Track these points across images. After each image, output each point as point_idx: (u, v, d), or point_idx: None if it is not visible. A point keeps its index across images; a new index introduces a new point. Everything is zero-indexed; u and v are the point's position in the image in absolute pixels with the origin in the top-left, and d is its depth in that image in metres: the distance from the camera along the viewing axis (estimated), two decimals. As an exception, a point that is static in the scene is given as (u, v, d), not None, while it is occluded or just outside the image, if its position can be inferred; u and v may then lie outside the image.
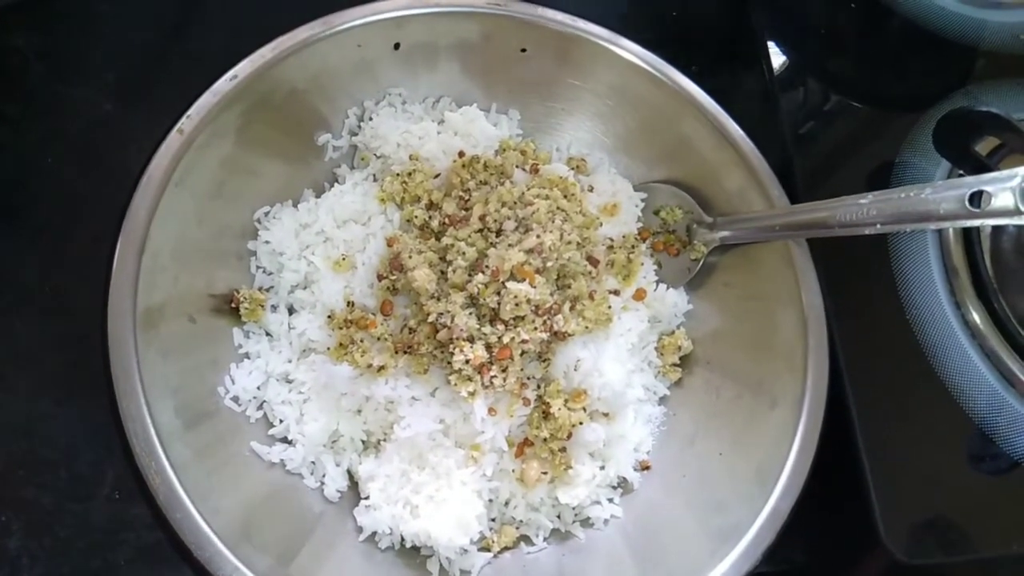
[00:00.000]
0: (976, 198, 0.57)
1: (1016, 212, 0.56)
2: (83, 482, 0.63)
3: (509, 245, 0.66)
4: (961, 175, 0.76)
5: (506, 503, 0.68)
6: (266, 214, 0.72)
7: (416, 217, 0.71)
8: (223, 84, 0.67)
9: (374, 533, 0.65)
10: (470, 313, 0.65)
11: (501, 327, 0.64)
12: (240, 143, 0.69)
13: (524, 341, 0.64)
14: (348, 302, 0.69)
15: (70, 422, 0.64)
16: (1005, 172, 0.57)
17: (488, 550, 0.67)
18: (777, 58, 0.87)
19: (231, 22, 0.81)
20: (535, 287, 0.64)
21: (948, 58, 0.90)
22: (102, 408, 0.61)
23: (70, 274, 0.69)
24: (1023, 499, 0.69)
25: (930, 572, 0.68)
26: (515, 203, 0.70)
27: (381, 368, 0.66)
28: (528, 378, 0.68)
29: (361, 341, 0.67)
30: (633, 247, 0.76)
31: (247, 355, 0.69)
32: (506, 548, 0.67)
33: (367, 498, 0.65)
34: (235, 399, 0.66)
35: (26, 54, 0.78)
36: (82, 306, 0.65)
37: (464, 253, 0.66)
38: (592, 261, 0.71)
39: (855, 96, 0.89)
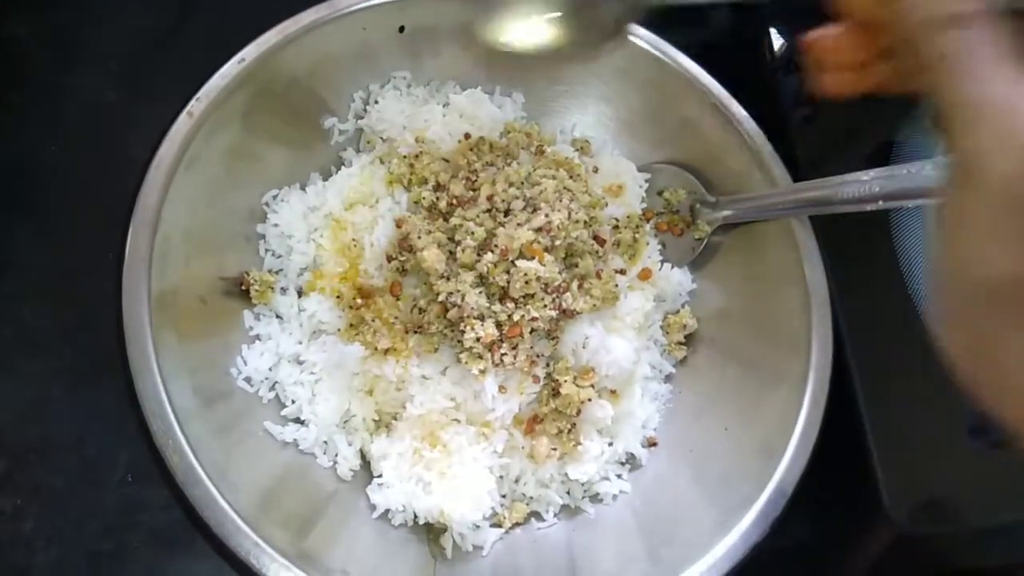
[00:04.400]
0: (977, 173, 0.58)
1: (1016, 186, 0.57)
2: (96, 466, 0.64)
3: (518, 224, 0.67)
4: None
5: (517, 480, 0.69)
6: (274, 197, 0.73)
7: (424, 198, 0.71)
8: (231, 67, 0.67)
9: (387, 510, 0.65)
10: (480, 292, 0.65)
11: (511, 305, 0.65)
12: (248, 126, 0.69)
13: (534, 319, 0.65)
14: (357, 287, 0.70)
15: (81, 407, 0.65)
16: (1005, 146, 0.58)
17: (500, 526, 0.67)
18: (778, 42, 0.88)
19: (232, 8, 0.81)
20: (544, 265, 0.65)
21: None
22: (113, 392, 0.62)
23: (78, 260, 0.69)
24: (1022, 469, 0.70)
25: (934, 542, 0.69)
26: (522, 183, 0.70)
27: (390, 349, 0.67)
28: (537, 356, 0.68)
29: (372, 321, 0.67)
30: (638, 227, 0.76)
31: (258, 337, 0.69)
32: (517, 524, 0.68)
33: (380, 476, 0.66)
34: (247, 380, 0.67)
35: (28, 42, 0.78)
36: (91, 291, 0.65)
37: (473, 233, 0.67)
38: (599, 240, 0.71)
39: (855, 78, 0.90)
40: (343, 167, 0.76)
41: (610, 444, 0.71)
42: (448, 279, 0.66)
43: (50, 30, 0.78)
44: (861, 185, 0.64)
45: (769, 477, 0.63)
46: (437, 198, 0.71)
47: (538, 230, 0.66)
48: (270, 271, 0.72)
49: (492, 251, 0.66)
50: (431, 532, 0.67)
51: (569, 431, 0.68)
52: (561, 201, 0.69)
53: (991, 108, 0.36)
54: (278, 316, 0.71)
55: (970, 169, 0.36)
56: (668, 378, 0.76)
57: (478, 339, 0.64)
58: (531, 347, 0.67)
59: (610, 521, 0.69)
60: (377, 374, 0.67)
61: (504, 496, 0.69)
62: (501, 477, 0.68)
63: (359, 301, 0.69)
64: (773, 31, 0.88)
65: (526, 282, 0.64)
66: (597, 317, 0.70)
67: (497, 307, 0.65)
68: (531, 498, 0.69)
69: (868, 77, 0.49)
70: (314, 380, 0.68)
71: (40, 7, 0.78)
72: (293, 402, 0.67)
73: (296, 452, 0.66)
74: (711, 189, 0.78)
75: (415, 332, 0.68)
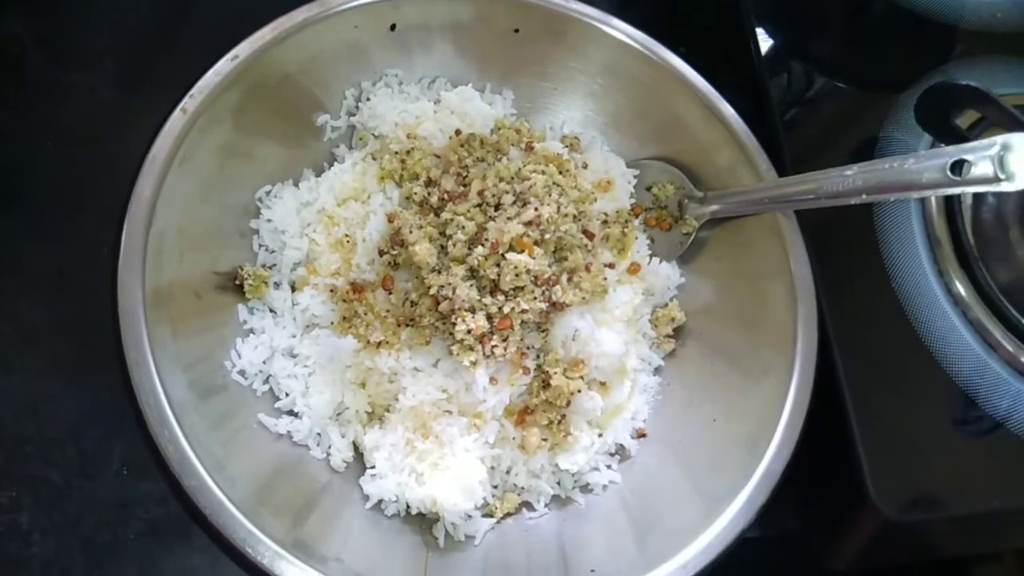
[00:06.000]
0: (957, 167, 0.59)
1: (995, 179, 0.58)
2: (91, 459, 0.65)
3: (508, 218, 0.68)
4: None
5: (508, 470, 0.70)
6: (268, 193, 0.74)
7: (415, 194, 0.72)
8: (225, 64, 0.67)
9: (380, 501, 0.66)
10: (471, 285, 0.66)
11: (501, 297, 0.66)
12: (241, 123, 0.70)
13: (524, 311, 0.66)
14: (350, 281, 0.71)
15: (77, 401, 0.66)
16: (985, 141, 0.59)
17: (491, 516, 0.68)
18: (764, 41, 0.90)
19: (226, 7, 0.82)
20: (534, 258, 0.66)
21: (929, 37, 0.93)
22: (109, 387, 0.63)
23: (74, 256, 0.70)
24: (1004, 458, 0.71)
25: (919, 529, 0.70)
26: (512, 178, 0.71)
27: (382, 342, 0.68)
28: (528, 348, 0.69)
29: (365, 314, 0.68)
30: (627, 222, 0.77)
31: (252, 331, 0.70)
32: (508, 514, 0.69)
33: (372, 467, 0.67)
34: (242, 373, 0.67)
35: (24, 40, 0.79)
36: (87, 287, 0.66)
37: (463, 227, 0.67)
38: (588, 234, 0.72)
39: (840, 77, 0.92)
40: (335, 163, 0.77)
41: (600, 435, 0.72)
42: (439, 272, 0.67)
43: (46, 28, 0.78)
44: (844, 179, 0.65)
45: (755, 467, 0.64)
46: (428, 193, 0.72)
47: (528, 224, 0.67)
48: (264, 266, 0.72)
49: (483, 245, 0.67)
50: (424, 522, 0.68)
51: (559, 422, 0.69)
52: (551, 196, 0.70)
53: None
54: (272, 310, 0.72)
55: None
56: (657, 370, 0.77)
57: (469, 331, 0.65)
58: (521, 339, 0.68)
59: (600, 511, 0.70)
60: (370, 366, 0.68)
61: (495, 486, 0.70)
62: (492, 468, 0.69)
63: (352, 295, 0.70)
64: (760, 31, 0.89)
65: (516, 275, 0.65)
66: (587, 310, 0.71)
67: (488, 300, 0.66)
68: (522, 488, 0.70)
69: None
70: (307, 373, 0.69)
71: (37, 5, 0.79)
72: (287, 395, 0.68)
73: (290, 444, 0.67)
74: (699, 184, 0.79)
75: (407, 325, 0.69)
